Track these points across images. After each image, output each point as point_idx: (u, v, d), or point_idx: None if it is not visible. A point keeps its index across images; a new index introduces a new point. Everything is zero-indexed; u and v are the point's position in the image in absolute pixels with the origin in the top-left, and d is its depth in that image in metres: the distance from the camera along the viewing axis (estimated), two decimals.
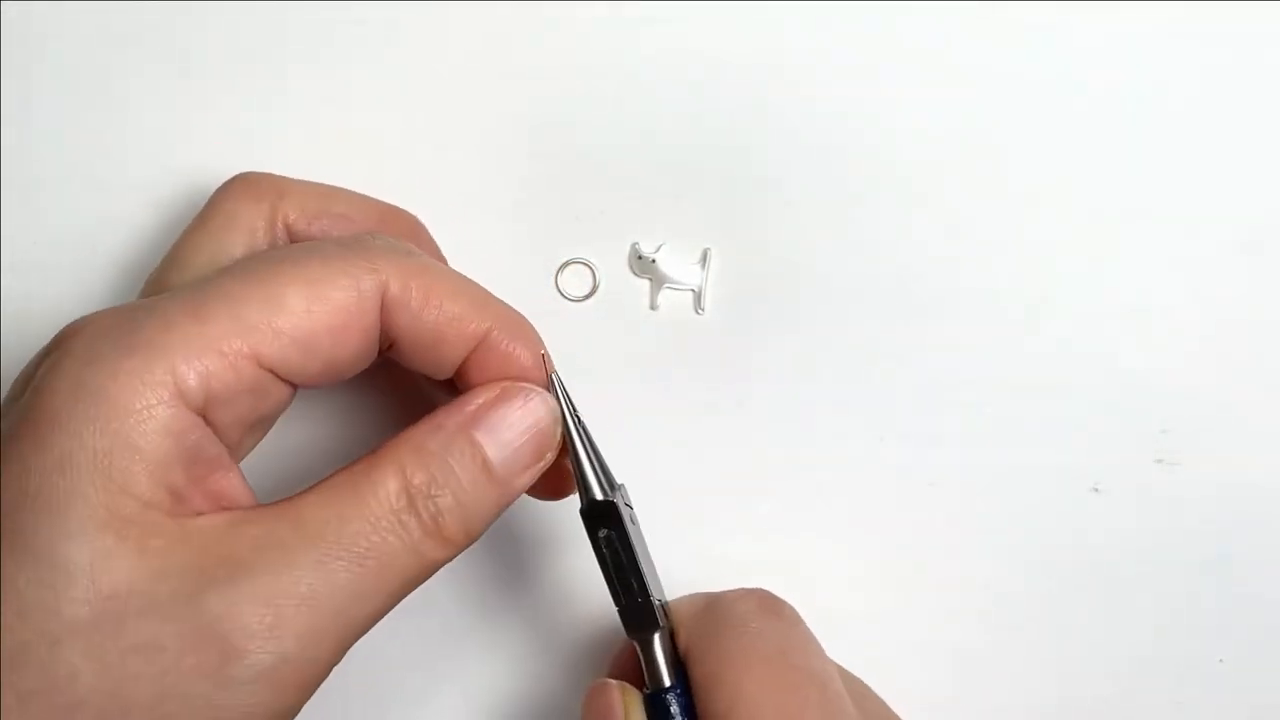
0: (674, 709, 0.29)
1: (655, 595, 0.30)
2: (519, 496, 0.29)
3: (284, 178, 0.32)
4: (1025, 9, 0.35)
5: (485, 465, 0.28)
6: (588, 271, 0.36)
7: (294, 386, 0.28)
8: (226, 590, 0.25)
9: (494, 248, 0.36)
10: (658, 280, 0.36)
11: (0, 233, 0.35)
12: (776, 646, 0.29)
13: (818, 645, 0.30)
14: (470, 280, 0.30)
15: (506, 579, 0.36)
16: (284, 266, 0.27)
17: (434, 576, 0.28)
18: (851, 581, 0.36)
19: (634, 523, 0.30)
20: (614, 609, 0.30)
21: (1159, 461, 0.36)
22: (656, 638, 0.29)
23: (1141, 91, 0.36)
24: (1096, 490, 0.36)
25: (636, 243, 0.36)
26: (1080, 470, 0.36)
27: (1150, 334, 0.36)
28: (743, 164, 0.36)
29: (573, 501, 0.30)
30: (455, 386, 0.30)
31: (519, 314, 0.30)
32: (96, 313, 0.27)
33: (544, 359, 0.30)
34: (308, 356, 0.27)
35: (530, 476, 0.29)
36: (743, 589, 0.31)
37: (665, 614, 0.30)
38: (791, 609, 0.30)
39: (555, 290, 0.36)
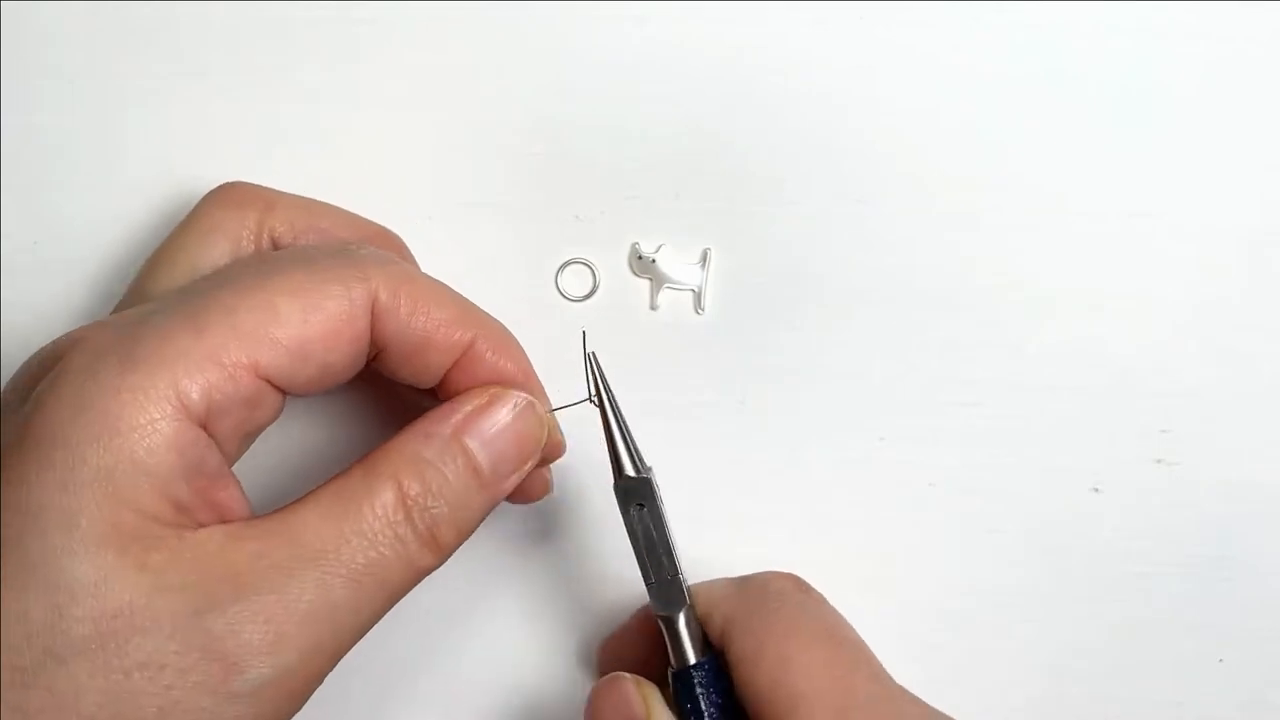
0: (702, 685, 0.29)
1: (681, 574, 0.30)
2: (504, 498, 0.30)
3: (270, 189, 0.32)
4: (1026, 9, 0.35)
5: (477, 471, 0.29)
6: (588, 271, 0.36)
7: (285, 394, 0.28)
8: (228, 608, 0.25)
9: (494, 248, 0.36)
10: (658, 280, 0.36)
11: (0, 233, 0.35)
12: (820, 619, 0.30)
13: (848, 621, 0.31)
14: (455, 290, 0.30)
15: (498, 569, 0.36)
16: (277, 277, 0.27)
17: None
18: (851, 581, 0.36)
19: (662, 502, 0.31)
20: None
21: (1159, 461, 0.36)
22: (683, 615, 0.30)
23: (1143, 91, 0.36)
24: (1096, 490, 0.36)
25: (636, 243, 0.36)
26: (1080, 470, 0.36)
27: (1150, 334, 0.36)
28: (743, 164, 0.36)
29: (558, 499, 0.30)
30: (438, 395, 0.30)
31: (502, 324, 0.31)
32: (93, 326, 0.27)
33: (582, 337, 0.31)
34: (301, 364, 0.27)
35: (517, 479, 0.30)
36: (772, 570, 0.32)
37: (689, 594, 0.31)
38: (818, 590, 0.32)
39: (555, 290, 0.36)
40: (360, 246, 0.30)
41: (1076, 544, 0.36)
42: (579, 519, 0.36)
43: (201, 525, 0.26)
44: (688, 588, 0.31)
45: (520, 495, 0.31)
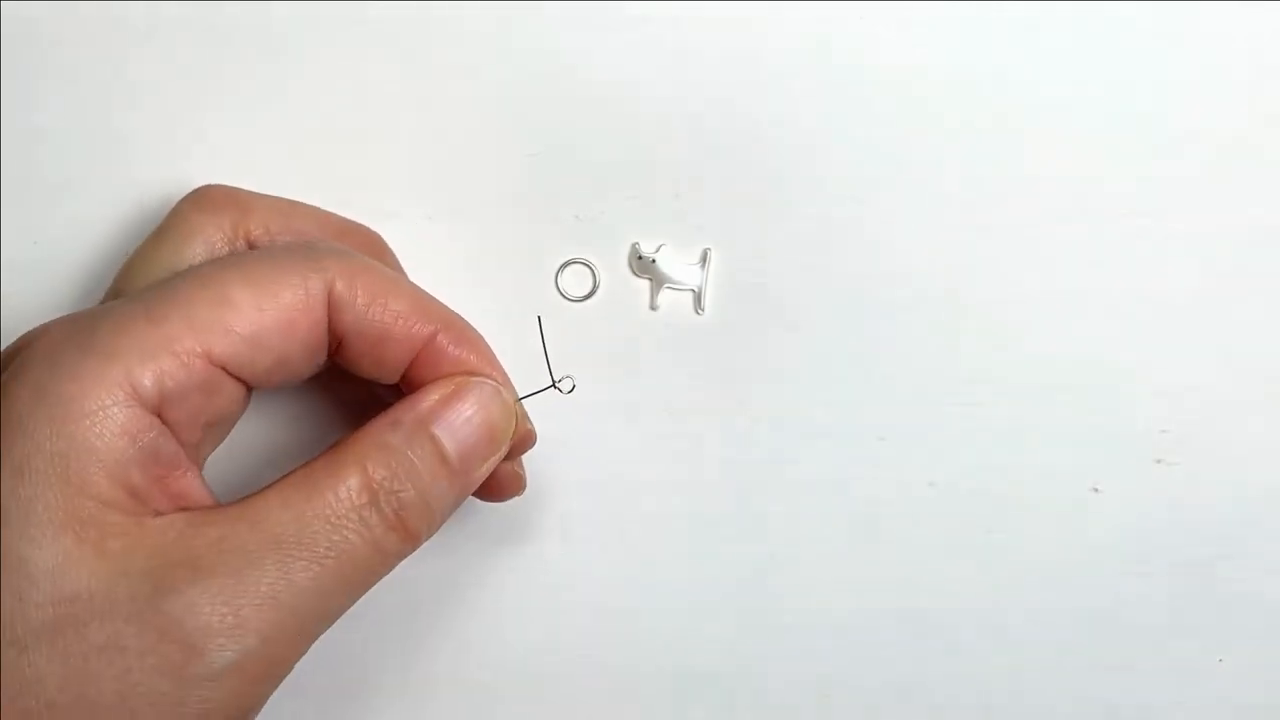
0: None
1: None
2: (474, 488, 0.30)
3: (246, 192, 0.33)
4: (1026, 9, 0.35)
5: (444, 459, 0.29)
6: (588, 271, 0.36)
7: (248, 387, 0.29)
8: (186, 591, 0.25)
9: (494, 248, 0.36)
10: (658, 280, 0.36)
11: (0, 233, 0.35)
12: None
13: None
14: (415, 284, 0.31)
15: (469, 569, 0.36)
16: (233, 269, 0.28)
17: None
18: (851, 581, 0.36)
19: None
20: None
21: (1159, 461, 0.36)
22: None
23: (1142, 92, 0.36)
24: (1096, 490, 0.36)
25: (636, 243, 0.36)
26: (1080, 470, 0.36)
27: (1150, 334, 0.36)
28: (743, 164, 0.36)
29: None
30: (402, 390, 0.30)
31: (462, 318, 0.31)
32: (57, 320, 0.28)
33: (538, 322, 0.32)
34: (258, 353, 0.28)
35: (487, 469, 0.30)
36: None
37: None
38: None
39: (555, 290, 0.36)
40: (322, 241, 0.30)
41: (1076, 544, 0.36)
42: (553, 517, 0.36)
43: (160, 513, 0.26)
44: None
45: (493, 492, 0.31)
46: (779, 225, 0.36)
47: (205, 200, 0.32)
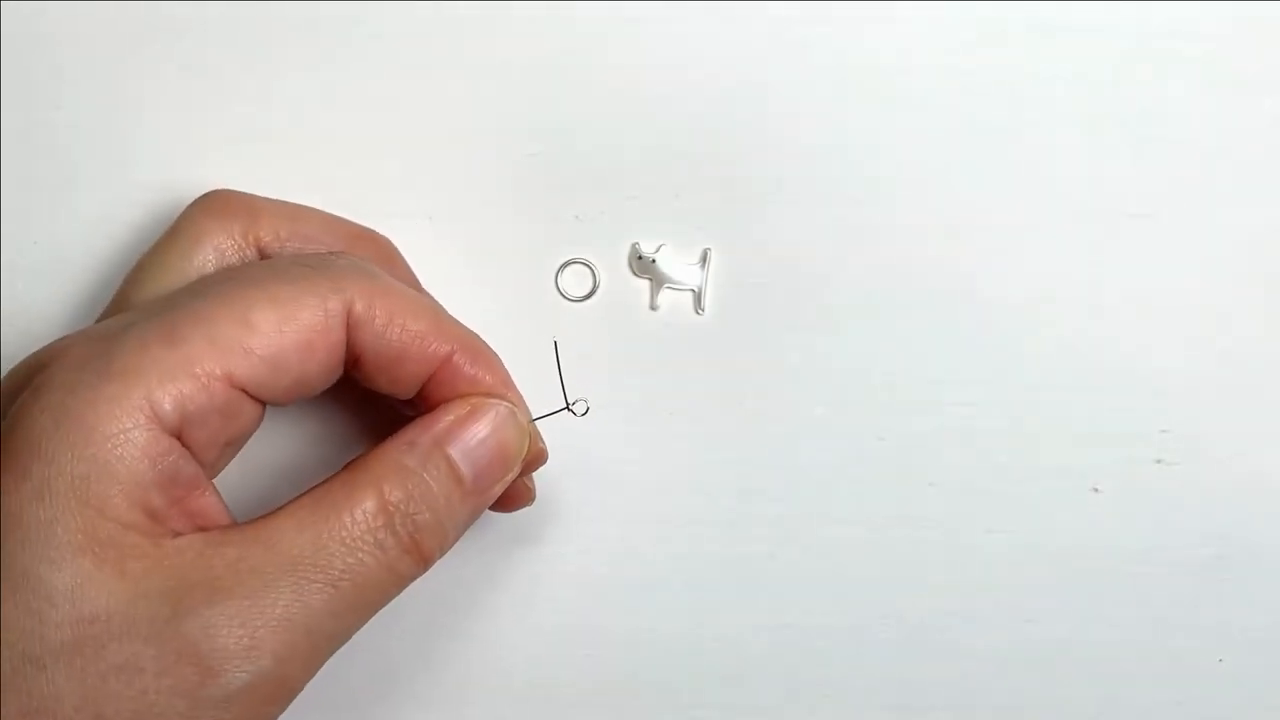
0: None
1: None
2: (487, 507, 0.30)
3: (255, 196, 0.32)
4: (1026, 9, 0.35)
5: (459, 480, 0.29)
6: (588, 271, 0.36)
7: (263, 404, 0.29)
8: (203, 613, 0.25)
9: (494, 248, 0.36)
10: (658, 280, 0.36)
11: (0, 233, 0.35)
12: None
13: None
14: (433, 303, 0.31)
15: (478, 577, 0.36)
16: (253, 288, 0.28)
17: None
18: (852, 581, 0.36)
19: None
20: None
21: (1159, 461, 0.36)
22: None
23: (1140, 91, 0.36)
24: (1096, 490, 0.36)
25: (636, 243, 0.36)
26: (1080, 470, 0.36)
27: (1150, 334, 0.36)
28: (743, 164, 0.36)
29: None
30: (416, 406, 0.31)
31: (479, 337, 0.31)
32: (75, 336, 0.28)
33: (554, 347, 0.32)
34: (277, 375, 0.28)
35: (500, 488, 0.30)
36: None
37: None
38: None
39: (555, 290, 0.36)
40: (339, 257, 0.30)
41: (1076, 544, 0.36)
42: (552, 517, 0.36)
43: (179, 534, 0.26)
44: None
45: (503, 504, 0.32)
46: (779, 225, 0.36)
47: (215, 205, 0.32)
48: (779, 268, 0.36)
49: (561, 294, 0.36)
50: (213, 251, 0.31)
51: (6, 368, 0.35)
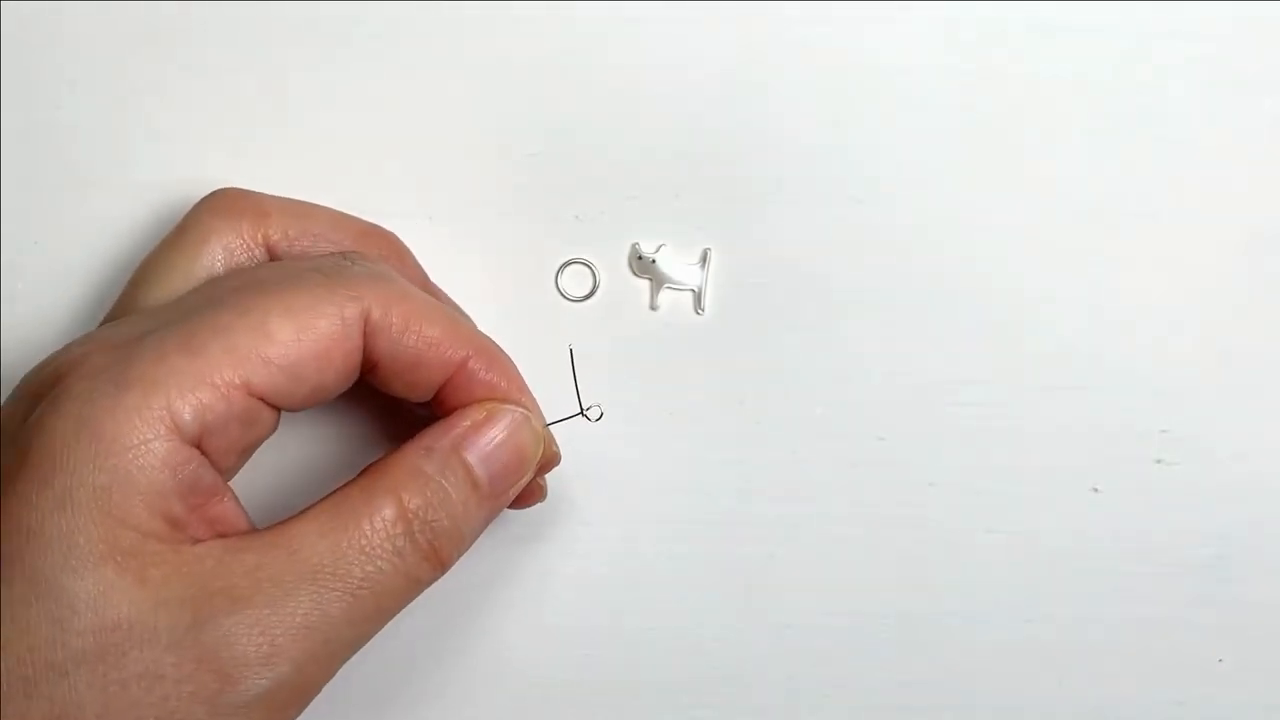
0: None
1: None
2: (501, 510, 0.30)
3: (263, 195, 0.32)
4: (1026, 9, 0.35)
5: (476, 485, 0.29)
6: (588, 271, 0.36)
7: (280, 411, 0.29)
8: (223, 621, 0.26)
9: (494, 248, 0.36)
10: (658, 280, 0.36)
11: (0, 233, 0.35)
12: None
13: None
14: (448, 308, 0.31)
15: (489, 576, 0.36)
16: (270, 297, 0.28)
17: None
18: (851, 581, 0.36)
19: None
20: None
21: (1159, 461, 0.36)
22: None
23: (1140, 91, 0.36)
24: (1096, 490, 0.36)
25: (636, 243, 0.36)
26: (1080, 470, 0.36)
27: (1150, 334, 0.36)
28: (743, 164, 0.36)
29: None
30: (432, 410, 0.31)
31: (494, 342, 0.31)
32: (92, 344, 0.28)
33: (570, 354, 0.33)
34: (295, 383, 0.28)
35: (515, 492, 0.30)
36: None
37: None
38: None
39: (555, 290, 0.36)
40: (354, 261, 0.30)
41: (1076, 544, 0.36)
42: (552, 517, 0.36)
43: (199, 540, 0.27)
44: None
45: (516, 502, 0.32)
46: (779, 225, 0.36)
47: (222, 204, 0.32)
48: (779, 268, 0.36)
49: (561, 294, 0.36)
50: (221, 251, 0.31)
51: (7, 367, 0.35)
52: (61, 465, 0.25)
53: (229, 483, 0.29)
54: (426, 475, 0.28)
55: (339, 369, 0.28)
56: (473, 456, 0.29)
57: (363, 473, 0.29)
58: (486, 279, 0.35)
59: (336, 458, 0.35)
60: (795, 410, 0.36)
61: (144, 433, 0.26)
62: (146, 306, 0.30)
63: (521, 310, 0.35)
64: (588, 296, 0.36)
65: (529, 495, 0.32)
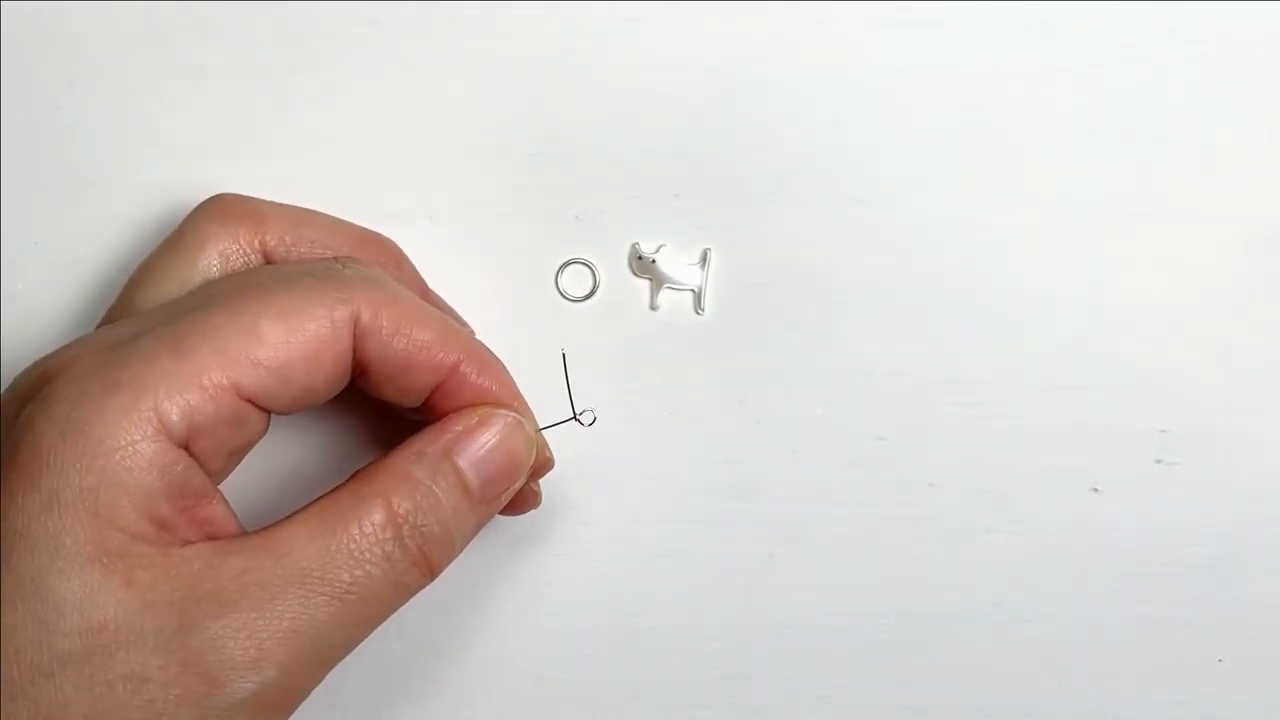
0: None
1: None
2: (493, 516, 0.30)
3: (260, 201, 0.32)
4: (1025, 9, 0.35)
5: (467, 490, 0.29)
6: (588, 271, 0.36)
7: (269, 413, 0.29)
8: (209, 625, 0.25)
9: (494, 248, 0.36)
10: (658, 280, 0.36)
11: (0, 233, 0.35)
12: None
13: None
14: (439, 312, 0.31)
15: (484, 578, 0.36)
16: (261, 300, 0.28)
17: None
18: (851, 581, 0.36)
19: None
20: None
21: (1159, 461, 0.36)
22: None
23: (1140, 91, 0.36)
24: (1096, 490, 0.36)
25: (636, 243, 0.36)
26: (1080, 470, 0.36)
27: (1150, 334, 0.36)
28: (743, 164, 0.36)
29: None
30: (424, 415, 0.31)
31: (486, 347, 0.31)
32: (82, 346, 0.28)
33: (562, 359, 0.33)
34: (284, 385, 0.28)
35: (507, 498, 0.30)
36: None
37: None
38: None
39: (555, 290, 0.36)
40: (346, 265, 0.30)
41: (1076, 544, 0.36)
42: (552, 518, 0.36)
43: (188, 542, 0.27)
44: None
45: (510, 508, 0.32)
46: (779, 225, 0.36)
47: (220, 209, 0.32)
48: (779, 268, 0.36)
49: (561, 294, 0.36)
50: (217, 256, 0.31)
51: (7, 367, 0.35)
52: (48, 466, 0.25)
53: (220, 486, 0.29)
54: (417, 480, 0.28)
55: (329, 371, 0.28)
56: (464, 461, 0.29)
57: (353, 477, 0.29)
58: (486, 279, 0.35)
59: (327, 462, 0.35)
60: (795, 410, 0.36)
61: (131, 434, 0.26)
62: (142, 309, 0.30)
63: (521, 310, 0.35)
64: (588, 296, 0.36)
65: (523, 501, 0.32)
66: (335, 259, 0.31)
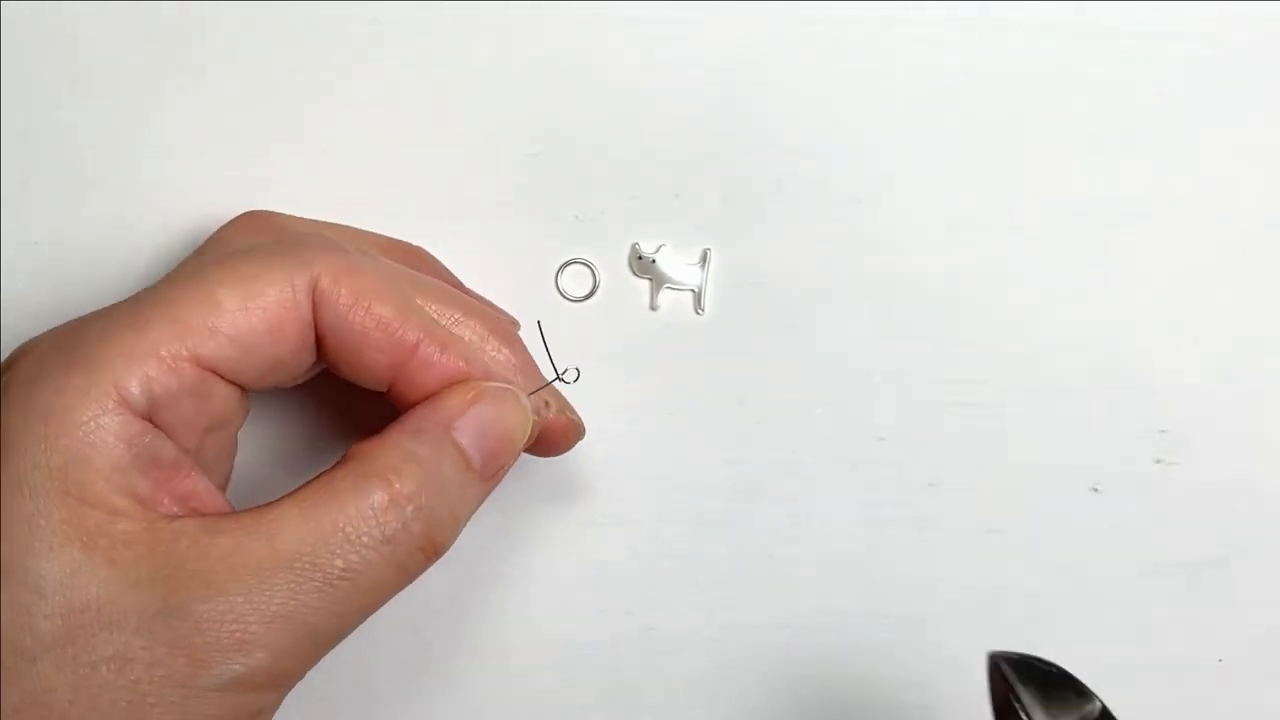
0: None
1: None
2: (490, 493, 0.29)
3: (289, 217, 0.32)
4: (1025, 9, 0.35)
5: (469, 467, 0.28)
6: (588, 271, 0.36)
7: (242, 389, 0.28)
8: (196, 607, 0.25)
9: (494, 248, 0.36)
10: (658, 280, 0.36)
11: (0, 233, 0.35)
12: None
13: None
14: (407, 291, 0.29)
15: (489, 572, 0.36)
16: (219, 269, 0.27)
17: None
18: (852, 581, 0.36)
19: None
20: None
21: (1159, 461, 0.36)
22: None
23: (1140, 92, 0.36)
24: (1096, 490, 0.36)
25: (636, 243, 0.36)
26: (1080, 470, 0.36)
27: (1150, 334, 0.36)
28: (743, 164, 0.36)
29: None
30: (392, 401, 0.29)
31: (446, 331, 0.30)
32: (43, 334, 0.28)
33: (539, 326, 0.32)
34: (247, 355, 0.27)
35: (504, 473, 0.29)
36: None
37: None
38: None
39: (555, 290, 0.36)
40: (320, 235, 0.30)
41: (1076, 544, 0.36)
42: (552, 517, 0.36)
43: (174, 516, 0.26)
44: None
45: (552, 444, 0.31)
46: (779, 225, 0.36)
47: (249, 224, 0.31)
48: (779, 268, 0.36)
49: (561, 294, 0.36)
50: None
51: None
52: (12, 449, 0.25)
53: (218, 471, 0.29)
54: (419, 458, 0.27)
55: (294, 341, 0.28)
56: (465, 437, 0.28)
57: (348, 457, 0.27)
58: (486, 279, 0.35)
59: (317, 444, 0.35)
60: (795, 410, 0.36)
61: (91, 409, 0.25)
62: None
63: (521, 310, 0.35)
64: (588, 296, 0.36)
65: (568, 433, 0.31)
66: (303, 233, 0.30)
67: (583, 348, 0.35)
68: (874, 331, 0.36)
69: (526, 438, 0.30)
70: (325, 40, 0.35)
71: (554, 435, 0.31)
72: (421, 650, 0.36)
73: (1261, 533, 0.36)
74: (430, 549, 0.27)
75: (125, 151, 0.35)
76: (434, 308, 0.30)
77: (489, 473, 0.29)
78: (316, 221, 0.33)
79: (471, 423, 0.28)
